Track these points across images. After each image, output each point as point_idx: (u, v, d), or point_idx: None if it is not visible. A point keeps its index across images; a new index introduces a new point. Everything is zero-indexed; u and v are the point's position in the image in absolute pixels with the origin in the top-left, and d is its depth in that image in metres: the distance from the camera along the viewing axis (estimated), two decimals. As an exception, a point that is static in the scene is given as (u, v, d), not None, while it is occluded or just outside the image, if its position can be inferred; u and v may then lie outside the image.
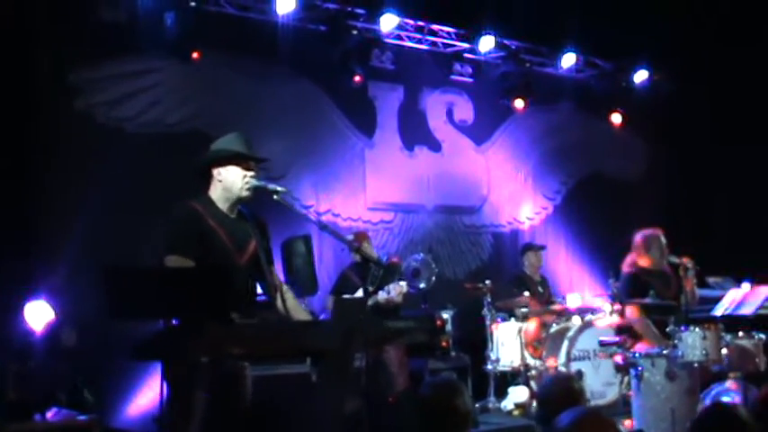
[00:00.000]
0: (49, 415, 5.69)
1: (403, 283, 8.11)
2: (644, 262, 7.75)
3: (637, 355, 7.04)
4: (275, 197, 4.81)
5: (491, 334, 9.04)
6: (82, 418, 5.79)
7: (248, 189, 4.76)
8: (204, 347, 3.82)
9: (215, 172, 4.82)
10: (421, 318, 6.55)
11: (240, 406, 4.64)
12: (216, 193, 4.82)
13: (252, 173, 4.80)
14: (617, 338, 7.63)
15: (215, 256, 4.65)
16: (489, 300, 9.06)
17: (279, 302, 4.74)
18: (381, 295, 7.91)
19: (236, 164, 4.79)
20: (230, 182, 4.77)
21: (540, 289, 9.85)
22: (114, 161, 8.13)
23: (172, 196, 7.93)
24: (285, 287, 4.93)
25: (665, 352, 6.87)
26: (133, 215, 8.14)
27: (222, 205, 4.80)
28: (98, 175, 8.02)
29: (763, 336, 7.29)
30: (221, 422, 4.57)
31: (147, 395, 7.88)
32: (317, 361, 7.18)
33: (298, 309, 4.92)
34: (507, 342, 9.03)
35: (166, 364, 4.19)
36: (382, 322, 4.81)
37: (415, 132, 11.05)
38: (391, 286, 7.96)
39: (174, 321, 4.02)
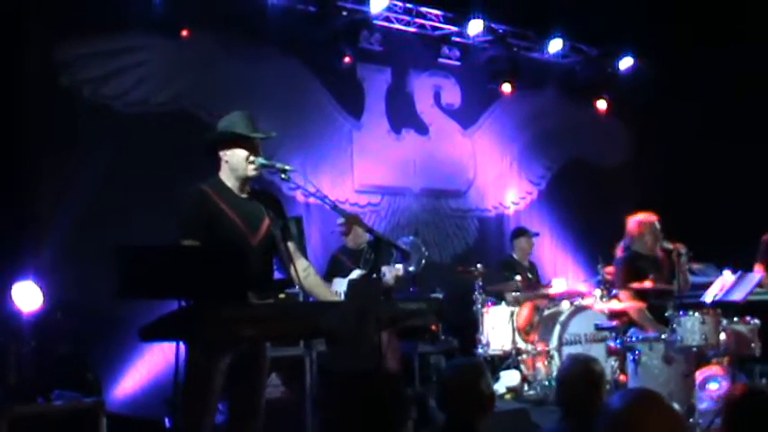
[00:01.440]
0: (52, 397, 5.59)
1: (399, 266, 8.07)
2: (638, 247, 7.75)
3: (635, 338, 7.03)
4: (283, 176, 4.77)
5: (482, 318, 8.99)
6: (86, 400, 5.69)
7: (254, 168, 4.70)
8: (221, 328, 3.74)
9: (221, 154, 4.76)
10: (430, 300, 6.53)
11: (258, 387, 4.58)
12: (224, 173, 4.77)
13: (256, 151, 4.73)
14: (612, 323, 7.60)
15: (227, 237, 4.59)
16: (480, 283, 9.02)
17: (297, 279, 4.66)
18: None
19: (240, 145, 4.71)
20: (236, 163, 4.71)
21: (529, 274, 9.81)
22: (101, 139, 8.05)
23: (160, 174, 7.94)
24: (306, 263, 4.86)
25: (663, 336, 6.87)
26: (122, 193, 8.10)
27: (232, 185, 4.74)
28: (86, 153, 7.94)
29: (758, 321, 7.29)
30: (239, 403, 4.51)
31: (146, 376, 7.82)
32: (309, 344, 7.17)
33: (319, 285, 4.87)
34: (498, 326, 8.99)
35: (189, 345, 4.13)
36: (396, 303, 4.77)
37: (403, 115, 11.00)
38: (386, 269, 7.90)
39: (184, 302, 3.93)
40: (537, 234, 10.39)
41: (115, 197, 8.04)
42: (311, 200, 9.53)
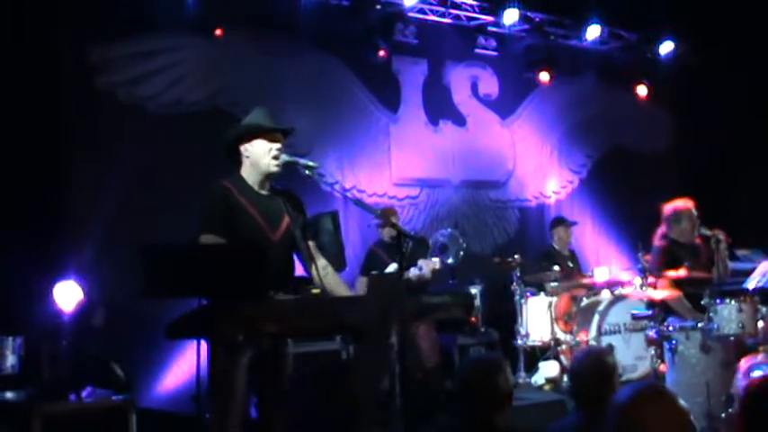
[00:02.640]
0: (83, 394, 5.67)
1: (435, 260, 8.09)
2: (675, 234, 7.65)
3: (671, 328, 6.97)
4: (307, 172, 4.80)
5: (521, 309, 8.97)
6: (116, 397, 5.78)
7: (277, 164, 4.71)
8: (241, 325, 3.78)
9: (242, 149, 4.79)
10: (457, 293, 6.53)
11: (281, 383, 4.61)
12: (245, 170, 4.80)
13: (278, 145, 4.76)
14: (649, 312, 7.52)
15: (248, 233, 4.63)
16: (518, 274, 8.99)
17: (317, 278, 4.68)
18: (413, 271, 7.87)
19: (261, 137, 4.75)
20: (257, 156, 4.74)
21: (569, 263, 9.77)
22: (136, 140, 8.15)
23: (194, 174, 7.98)
24: (324, 262, 4.88)
25: (699, 325, 6.80)
26: (156, 193, 8.21)
27: (253, 182, 4.77)
28: (121, 154, 8.02)
29: (797, 308, 7.18)
30: (263, 399, 4.54)
31: (178, 373, 7.90)
32: (347, 338, 7.21)
33: (339, 284, 4.89)
34: (537, 317, 8.97)
35: (211, 342, 4.18)
36: (419, 297, 4.77)
37: (440, 107, 10.97)
38: (423, 262, 7.92)
39: (208, 300, 3.97)
40: (575, 223, 10.32)
41: (150, 197, 8.15)
42: (348, 194, 9.57)
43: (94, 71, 8.26)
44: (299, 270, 4.93)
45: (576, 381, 4.48)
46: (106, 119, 8.21)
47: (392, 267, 8.12)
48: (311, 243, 4.83)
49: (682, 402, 2.58)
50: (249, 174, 4.77)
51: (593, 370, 4.32)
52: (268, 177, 4.79)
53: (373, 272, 8.17)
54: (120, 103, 8.39)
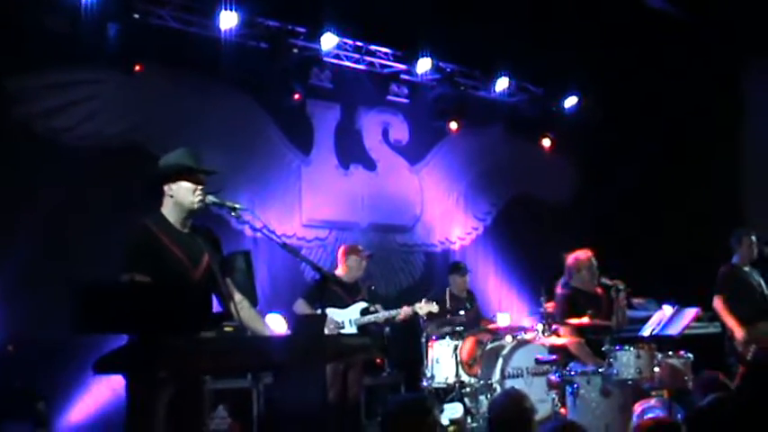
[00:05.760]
0: (2, 430, 5.62)
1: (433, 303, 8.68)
2: (576, 283, 7.94)
3: (573, 372, 7.23)
4: (233, 213, 4.92)
5: (427, 351, 9.15)
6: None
7: (201, 202, 4.81)
8: (165, 362, 3.85)
9: (166, 188, 4.86)
10: (374, 335, 6.70)
11: (199, 419, 4.67)
12: (167, 208, 4.87)
13: (202, 186, 4.86)
14: (553, 357, 7.79)
15: (170, 271, 4.70)
16: (425, 318, 9.17)
17: (236, 314, 4.77)
18: (384, 313, 8.43)
19: (186, 179, 4.84)
20: (182, 196, 4.82)
21: (467, 305, 9.94)
22: (51, 172, 8.10)
23: (109, 209, 7.99)
24: (240, 297, 4.98)
25: (600, 370, 7.07)
26: (69, 228, 8.13)
27: (174, 220, 4.85)
28: (37, 186, 7.99)
29: (690, 355, 7.53)
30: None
31: (99, 407, 7.82)
32: (257, 376, 7.29)
33: (255, 319, 4.98)
34: (443, 359, 9.15)
35: (128, 378, 4.21)
36: (340, 338, 4.92)
37: (351, 151, 11.18)
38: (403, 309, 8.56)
39: (135, 336, 4.03)
40: (469, 271, 10.37)
41: (66, 230, 8.09)
42: (258, 234, 9.65)
43: (11, 100, 8.19)
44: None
45: (495, 424, 4.65)
46: (23, 149, 8.15)
47: (357, 307, 8.38)
48: (228, 280, 4.92)
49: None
50: (171, 212, 4.86)
51: (511, 413, 4.50)
52: (190, 215, 4.88)
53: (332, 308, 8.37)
54: (36, 134, 8.33)
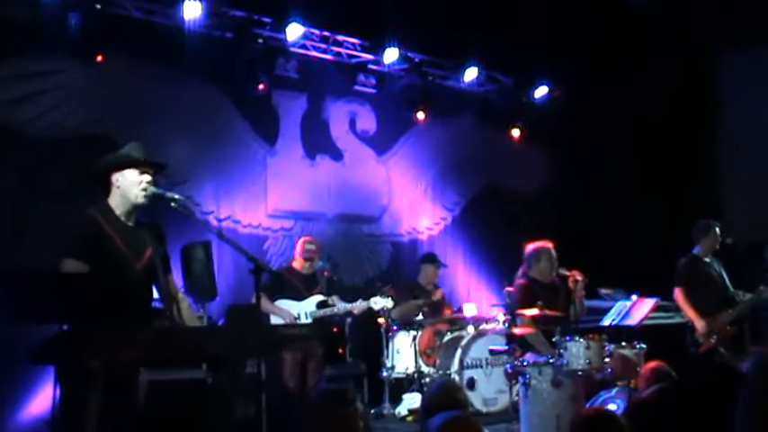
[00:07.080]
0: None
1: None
2: (534, 273, 7.96)
3: (525, 363, 7.27)
4: (173, 204, 4.91)
5: (387, 342, 9.21)
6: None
7: (145, 196, 4.84)
8: (97, 352, 3.87)
9: (113, 178, 4.90)
10: (315, 325, 6.73)
11: (132, 411, 4.69)
12: (114, 200, 4.90)
13: (148, 177, 4.88)
14: (506, 347, 7.83)
15: (111, 261, 4.72)
16: (387, 308, 9.20)
17: (174, 310, 4.81)
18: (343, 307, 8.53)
19: (133, 169, 4.87)
20: (127, 187, 4.86)
21: (433, 298, 9.98)
22: (14, 162, 8.07)
23: (72, 200, 7.95)
24: (181, 295, 5.03)
25: (551, 361, 7.11)
26: (31, 218, 8.10)
27: (120, 212, 4.88)
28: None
29: (644, 345, 7.59)
30: (114, 427, 4.60)
31: (40, 400, 7.82)
32: (213, 366, 7.31)
33: (191, 317, 5.02)
34: (402, 350, 9.21)
35: (60, 368, 4.23)
36: (276, 329, 4.95)
37: (318, 141, 11.18)
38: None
39: (67, 326, 4.06)
40: (446, 266, 10.54)
41: (28, 220, 8.07)
42: (224, 224, 9.69)
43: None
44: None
45: (426, 411, 4.69)
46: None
47: (315, 299, 8.46)
48: (169, 276, 4.94)
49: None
50: (117, 203, 4.89)
51: (444, 403, 4.54)
52: (135, 208, 4.91)
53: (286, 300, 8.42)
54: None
